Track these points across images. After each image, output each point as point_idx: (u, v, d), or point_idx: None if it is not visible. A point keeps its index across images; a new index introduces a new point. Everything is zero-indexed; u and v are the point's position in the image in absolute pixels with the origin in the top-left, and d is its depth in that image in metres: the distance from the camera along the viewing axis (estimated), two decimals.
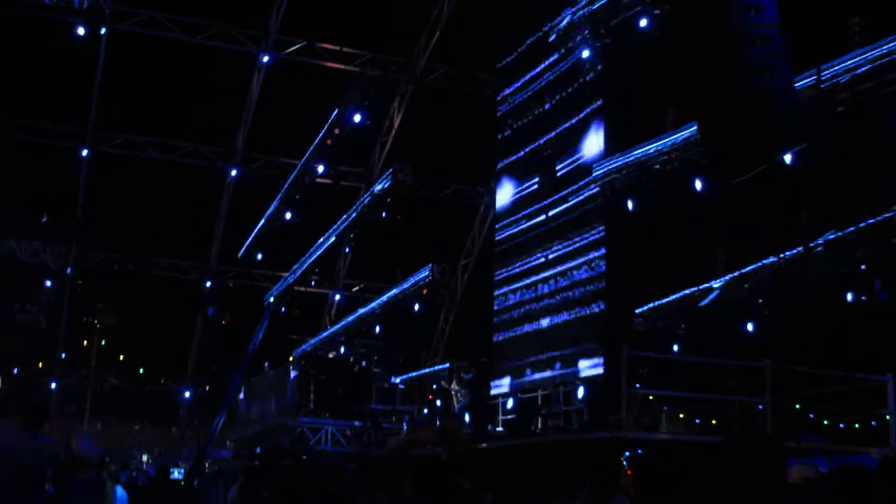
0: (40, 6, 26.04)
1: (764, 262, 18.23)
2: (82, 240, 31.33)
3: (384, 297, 28.44)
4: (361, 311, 29.85)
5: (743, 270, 19.11)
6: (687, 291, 20.78)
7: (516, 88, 26.26)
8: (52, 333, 32.66)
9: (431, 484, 4.57)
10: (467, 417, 20.70)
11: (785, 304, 16.67)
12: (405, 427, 22.89)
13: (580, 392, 19.52)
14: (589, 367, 21.15)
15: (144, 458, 35.26)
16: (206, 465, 26.39)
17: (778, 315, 17.09)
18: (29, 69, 27.99)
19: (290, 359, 30.05)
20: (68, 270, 31.38)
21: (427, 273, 25.90)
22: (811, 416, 16.49)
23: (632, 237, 20.62)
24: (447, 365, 26.37)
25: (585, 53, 21.81)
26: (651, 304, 21.14)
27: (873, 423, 17.22)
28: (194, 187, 32.42)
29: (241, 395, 31.02)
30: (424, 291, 26.30)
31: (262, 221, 29.79)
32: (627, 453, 6.41)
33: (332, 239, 28.50)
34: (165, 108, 30.65)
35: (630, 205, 20.14)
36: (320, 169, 27.33)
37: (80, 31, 25.32)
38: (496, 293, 26.28)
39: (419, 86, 31.09)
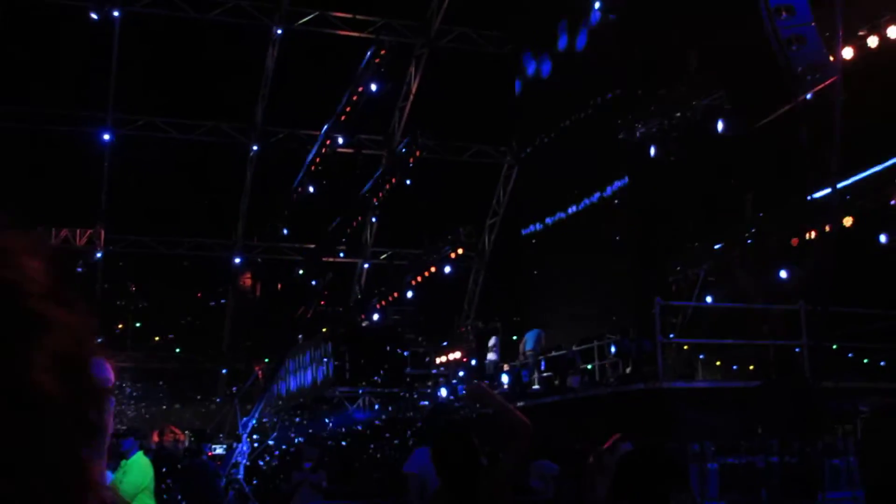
0: None
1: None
2: (109, 224, 31.47)
3: (413, 263, 28.47)
4: (390, 277, 29.90)
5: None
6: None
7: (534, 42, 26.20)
8: None
9: None
10: (504, 378, 20.73)
11: (818, 245, 16.51)
12: (439, 391, 22.96)
13: (612, 348, 19.48)
14: (620, 321, 21.16)
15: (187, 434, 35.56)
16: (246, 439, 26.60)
17: (810, 257, 16.93)
18: (45, 57, 28.06)
19: (324, 329, 30.20)
20: (98, 255, 31.54)
21: (454, 235, 25.90)
22: (850, 355, 16.37)
23: (657, 186, 20.49)
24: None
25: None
26: (681, 253, 21.00)
27: None
28: (216, 165, 32.48)
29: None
30: (453, 255, 26.29)
31: (286, 194, 29.82)
32: None
33: (356, 208, 28.50)
34: (183, 87, 30.65)
35: (653, 152, 20.00)
36: (340, 140, 27.29)
37: (94, 15, 25.29)
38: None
39: (434, 49, 30.89)
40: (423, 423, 20.55)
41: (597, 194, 23.25)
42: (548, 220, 25.66)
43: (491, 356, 21.19)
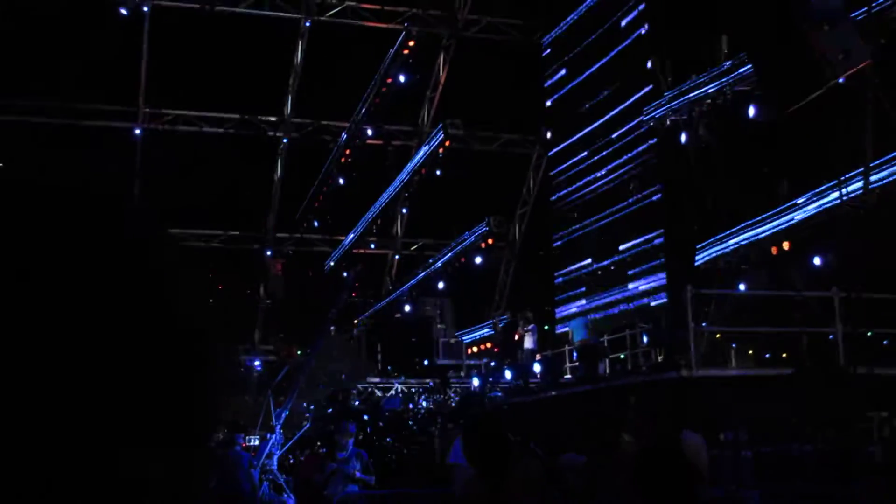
0: None
1: (828, 194, 17.88)
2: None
3: (444, 253, 28.48)
4: (422, 268, 29.93)
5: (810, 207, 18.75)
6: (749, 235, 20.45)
7: (562, 31, 26.09)
8: None
9: None
10: (537, 367, 20.70)
11: (853, 233, 16.35)
12: (473, 380, 22.97)
13: (644, 338, 19.42)
14: (654, 303, 21.16)
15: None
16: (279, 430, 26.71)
17: (845, 245, 16.77)
18: (75, 53, 28.26)
19: (355, 321, 30.30)
20: None
21: (485, 226, 25.90)
22: (885, 342, 16.20)
23: (689, 173, 20.37)
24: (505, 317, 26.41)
25: None
26: (713, 241, 20.86)
27: None
28: (247, 157, 32.61)
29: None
30: (483, 245, 26.29)
31: (315, 186, 29.92)
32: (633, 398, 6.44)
33: (387, 199, 28.55)
34: (212, 81, 30.77)
35: (683, 139, 19.89)
36: (369, 131, 27.35)
37: (123, 11, 25.47)
38: (555, 238, 26.30)
39: (462, 39, 30.83)
40: (453, 412, 20.57)
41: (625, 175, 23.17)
42: (576, 201, 25.59)
43: (528, 345, 21.14)
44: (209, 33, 29.65)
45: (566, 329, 24.47)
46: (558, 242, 26.34)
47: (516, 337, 21.33)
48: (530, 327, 21.06)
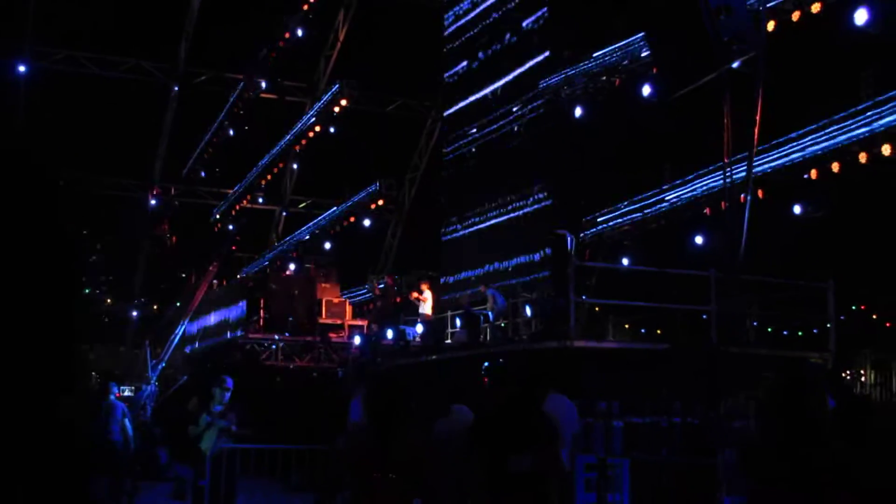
0: None
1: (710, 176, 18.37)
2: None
3: (332, 213, 28.34)
4: (309, 226, 29.74)
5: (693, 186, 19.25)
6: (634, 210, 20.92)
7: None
8: None
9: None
10: (419, 328, 20.83)
11: (733, 216, 16.84)
12: (356, 341, 22.98)
13: (527, 309, 19.68)
14: (535, 277, 21.45)
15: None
16: (154, 382, 26.35)
17: (725, 227, 17.29)
18: None
19: (239, 276, 29.95)
20: None
21: (375, 188, 25.84)
22: (755, 323, 16.78)
23: (579, 149, 20.66)
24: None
25: None
26: (599, 216, 21.26)
27: (815, 330, 17.61)
28: (136, 104, 31.79)
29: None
30: (373, 206, 26.27)
31: (207, 137, 29.39)
32: (486, 364, 6.67)
33: (278, 155, 28.23)
34: (104, 22, 29.84)
35: (577, 114, 20.18)
36: (263, 84, 26.96)
37: None
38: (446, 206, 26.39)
39: None
40: (347, 373, 20.57)
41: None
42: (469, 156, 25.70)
43: (423, 309, 21.24)
44: None
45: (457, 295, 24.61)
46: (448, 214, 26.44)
47: (414, 297, 21.39)
48: (426, 294, 21.20)
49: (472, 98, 25.43)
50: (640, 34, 17.50)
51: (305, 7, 25.40)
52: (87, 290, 36.87)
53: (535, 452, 5.37)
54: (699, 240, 18.43)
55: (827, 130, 15.78)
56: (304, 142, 27.57)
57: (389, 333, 21.27)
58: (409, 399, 5.18)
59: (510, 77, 23.61)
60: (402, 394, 5.18)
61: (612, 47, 19.23)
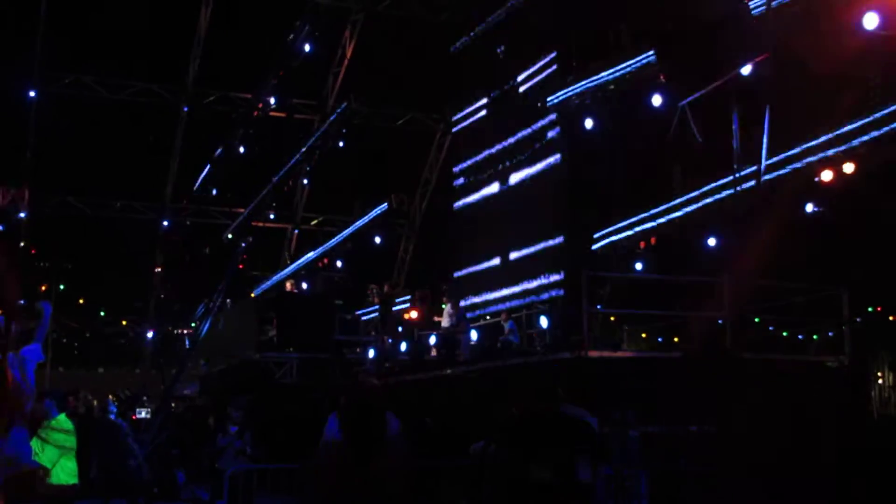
0: None
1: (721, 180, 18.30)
2: (33, 183, 30.73)
3: (345, 231, 28.34)
4: (321, 245, 29.75)
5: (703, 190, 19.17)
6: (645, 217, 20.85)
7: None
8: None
9: None
10: (432, 340, 20.83)
11: (744, 219, 16.76)
12: (370, 355, 22.94)
13: (542, 320, 19.63)
14: (551, 292, 21.38)
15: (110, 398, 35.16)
16: (173, 403, 26.37)
17: (737, 232, 17.20)
18: None
19: (252, 294, 29.96)
20: (22, 215, 30.81)
21: (386, 203, 25.83)
22: (770, 328, 16.70)
23: (590, 159, 20.63)
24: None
25: None
26: (612, 228, 21.19)
27: (830, 333, 17.47)
28: (146, 126, 31.92)
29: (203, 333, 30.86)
30: (384, 222, 26.28)
31: (216, 156, 29.46)
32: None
33: (288, 172, 28.27)
34: (113, 45, 30.00)
35: (587, 125, 20.13)
36: (272, 101, 27.04)
37: None
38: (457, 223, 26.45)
39: (371, 14, 30.60)
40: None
41: (527, 166, 23.38)
42: (480, 190, 25.73)
43: (444, 322, 21.26)
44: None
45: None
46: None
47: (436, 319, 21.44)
48: (447, 308, 21.28)
49: (482, 112, 25.54)
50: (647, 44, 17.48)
51: (312, 25, 25.46)
52: (102, 313, 37.02)
53: (557, 461, 5.30)
54: (712, 241, 18.29)
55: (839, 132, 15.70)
56: (314, 159, 27.61)
57: (403, 346, 21.27)
58: (386, 414, 4.89)
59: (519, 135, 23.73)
60: (382, 407, 4.87)
61: (618, 57, 19.19)
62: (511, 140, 23.94)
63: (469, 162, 26.13)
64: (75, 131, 30.18)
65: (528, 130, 23.15)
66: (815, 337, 17.26)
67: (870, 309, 18.76)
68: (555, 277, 21.53)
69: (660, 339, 21.25)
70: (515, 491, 5.26)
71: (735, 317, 13.71)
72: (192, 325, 30.96)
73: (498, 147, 24.60)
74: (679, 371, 12.68)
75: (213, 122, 30.79)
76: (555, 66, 22.17)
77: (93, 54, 29.98)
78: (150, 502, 14.77)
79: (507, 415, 6.27)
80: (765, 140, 14.73)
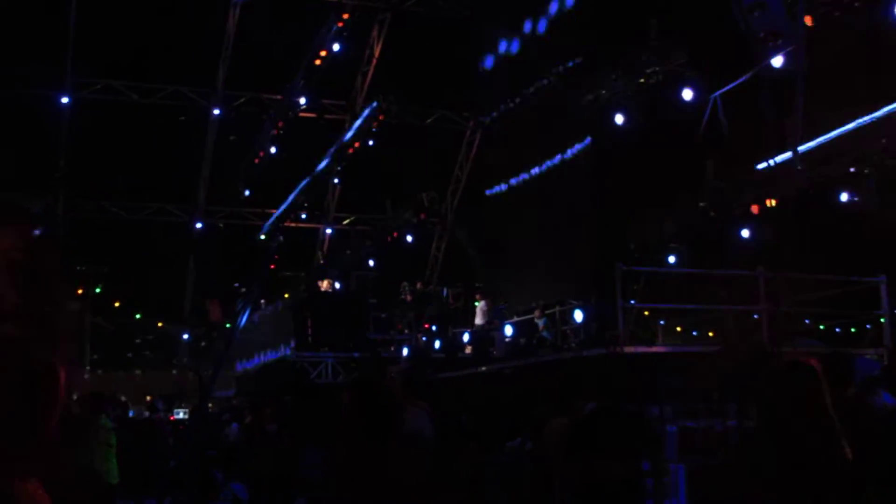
0: None
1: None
2: (68, 189, 31.03)
3: (378, 229, 28.41)
4: (353, 245, 29.84)
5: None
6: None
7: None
8: None
9: None
10: (466, 337, 20.86)
11: (779, 210, 16.65)
12: (404, 354, 23.00)
13: (577, 314, 19.58)
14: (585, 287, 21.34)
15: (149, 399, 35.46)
16: (210, 404, 26.54)
17: (772, 222, 17.08)
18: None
19: (286, 295, 30.06)
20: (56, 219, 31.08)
21: (418, 201, 25.87)
22: (807, 321, 16.57)
23: (620, 151, 20.54)
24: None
25: None
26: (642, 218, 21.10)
27: (868, 325, 17.33)
28: (177, 129, 32.09)
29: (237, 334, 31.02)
30: (416, 221, 26.30)
31: (249, 158, 29.60)
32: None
33: (319, 172, 28.35)
34: (142, 50, 30.17)
35: (617, 119, 20.04)
36: (302, 101, 27.13)
37: None
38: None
39: (397, 13, 30.62)
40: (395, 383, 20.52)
41: (558, 157, 23.33)
42: (511, 181, 25.72)
43: (478, 320, 21.28)
44: (142, 2, 29.10)
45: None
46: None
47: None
48: (481, 304, 21.31)
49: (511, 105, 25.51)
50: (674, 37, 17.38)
51: (340, 24, 25.50)
52: (138, 316, 37.31)
53: (628, 458, 5.27)
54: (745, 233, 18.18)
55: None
56: (344, 158, 27.68)
57: (437, 343, 21.31)
58: (398, 409, 4.84)
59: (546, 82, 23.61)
60: (394, 401, 4.81)
61: (646, 51, 19.09)
62: (541, 135, 23.90)
63: (499, 158, 26.12)
64: (107, 137, 30.40)
65: (559, 125, 23.10)
66: (852, 329, 17.13)
67: None
68: (587, 273, 21.50)
69: (694, 333, 21.16)
70: (586, 489, 5.23)
71: (772, 310, 13.60)
72: (227, 325, 31.12)
73: (528, 143, 24.56)
74: (715, 364, 12.61)
75: (244, 124, 30.91)
76: (583, 60, 22.11)
77: (124, 59, 30.18)
78: (178, 502, 14.87)
79: (541, 414, 6.27)
80: (796, 131, 14.61)
